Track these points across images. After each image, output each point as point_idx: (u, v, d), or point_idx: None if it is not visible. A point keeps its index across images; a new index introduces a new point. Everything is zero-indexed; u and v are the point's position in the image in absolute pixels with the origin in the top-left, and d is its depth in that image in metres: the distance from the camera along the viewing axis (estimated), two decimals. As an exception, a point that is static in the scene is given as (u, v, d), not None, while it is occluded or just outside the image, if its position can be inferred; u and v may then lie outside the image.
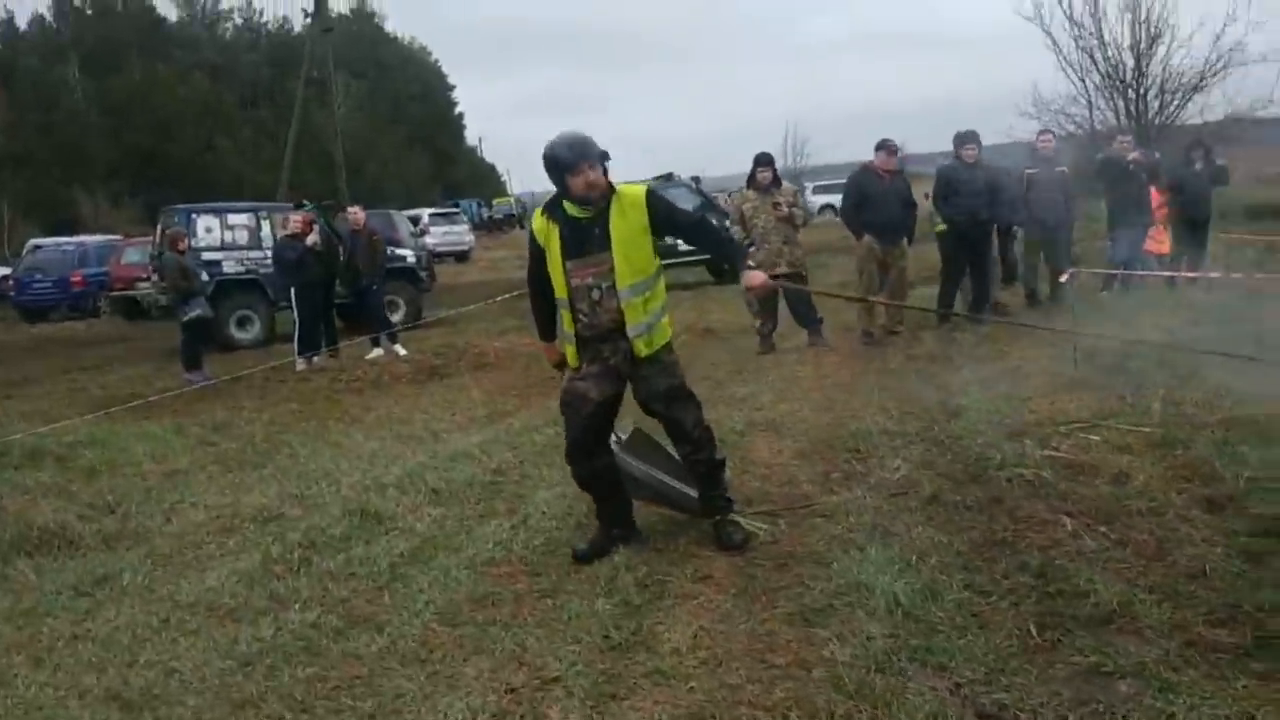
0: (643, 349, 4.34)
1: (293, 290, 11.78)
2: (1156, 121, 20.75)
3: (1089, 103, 22.19)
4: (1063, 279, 8.61)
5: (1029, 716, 2.95)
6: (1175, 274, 10.43)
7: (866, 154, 9.84)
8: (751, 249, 9.64)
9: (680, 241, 6.90)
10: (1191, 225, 11.08)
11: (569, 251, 4.29)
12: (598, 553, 4.48)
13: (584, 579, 4.27)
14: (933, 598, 3.74)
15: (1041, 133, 11.82)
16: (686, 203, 18.10)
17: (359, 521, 5.33)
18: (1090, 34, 21.67)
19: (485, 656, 3.63)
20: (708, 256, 17.33)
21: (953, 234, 9.79)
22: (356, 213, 12.39)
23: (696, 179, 20.03)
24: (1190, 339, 7.98)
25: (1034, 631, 3.44)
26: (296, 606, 4.28)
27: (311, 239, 11.78)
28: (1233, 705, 2.90)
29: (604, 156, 4.31)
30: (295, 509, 5.84)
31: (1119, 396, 6.56)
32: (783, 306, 9.79)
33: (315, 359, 11.76)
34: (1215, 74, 20.68)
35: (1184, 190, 10.92)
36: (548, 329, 4.66)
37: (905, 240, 9.59)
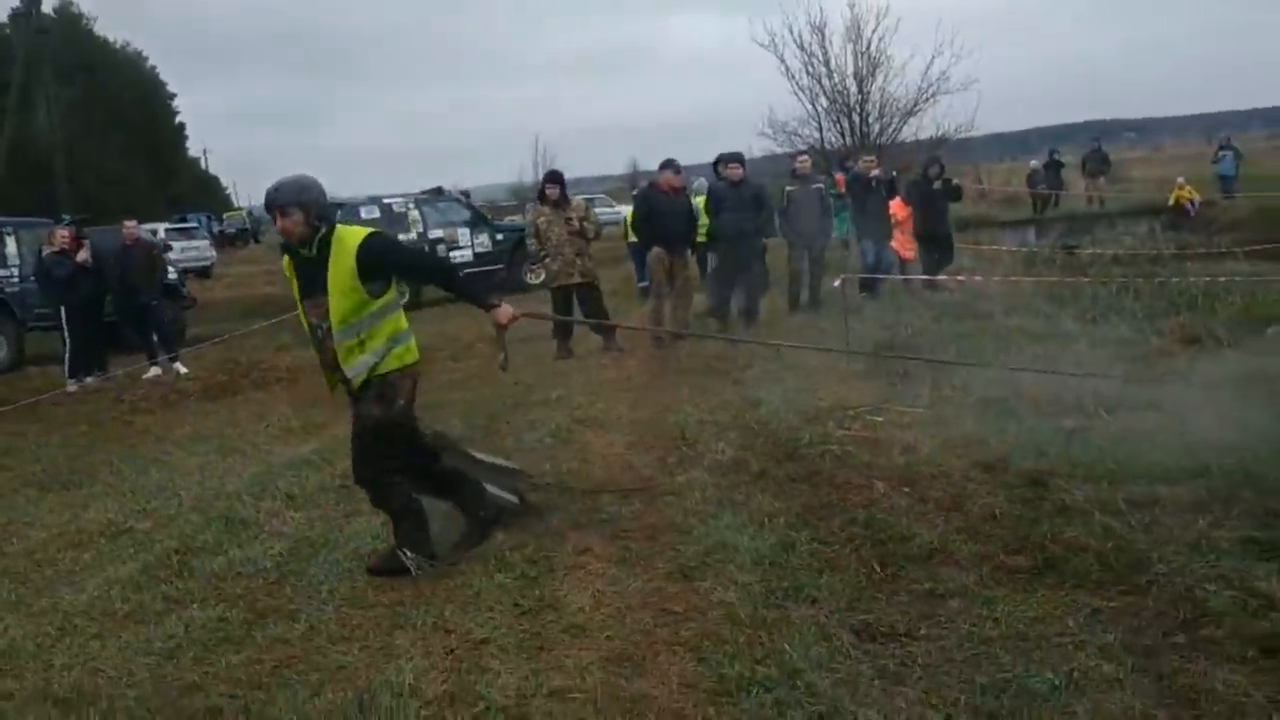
0: (360, 382, 4.45)
1: (62, 310, 11.20)
2: (878, 141, 22.99)
3: (819, 124, 24.27)
4: (835, 284, 9.72)
5: (888, 629, 3.67)
6: (932, 278, 11.88)
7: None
8: (546, 260, 10.21)
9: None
10: (934, 237, 12.60)
11: (303, 291, 4.47)
12: (391, 569, 4.56)
13: (474, 561, 4.68)
14: (787, 550, 4.44)
15: (800, 153, 13.06)
16: (458, 216, 18.44)
17: (225, 527, 5.46)
18: (819, 61, 23.72)
19: (408, 630, 3.99)
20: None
21: (721, 246, 10.73)
22: (131, 227, 11.94)
23: (466, 193, 20.35)
24: (941, 333, 9.26)
25: (877, 568, 4.20)
26: (195, 605, 4.45)
27: (83, 255, 11.26)
28: (1034, 609, 3.74)
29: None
30: (144, 522, 5.85)
31: (890, 385, 7.60)
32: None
33: (88, 380, 11.26)
34: (926, 100, 23.24)
35: (926, 205, 12.41)
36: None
37: (689, 251, 10.44)
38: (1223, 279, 13.47)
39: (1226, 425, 5.64)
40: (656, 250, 10.12)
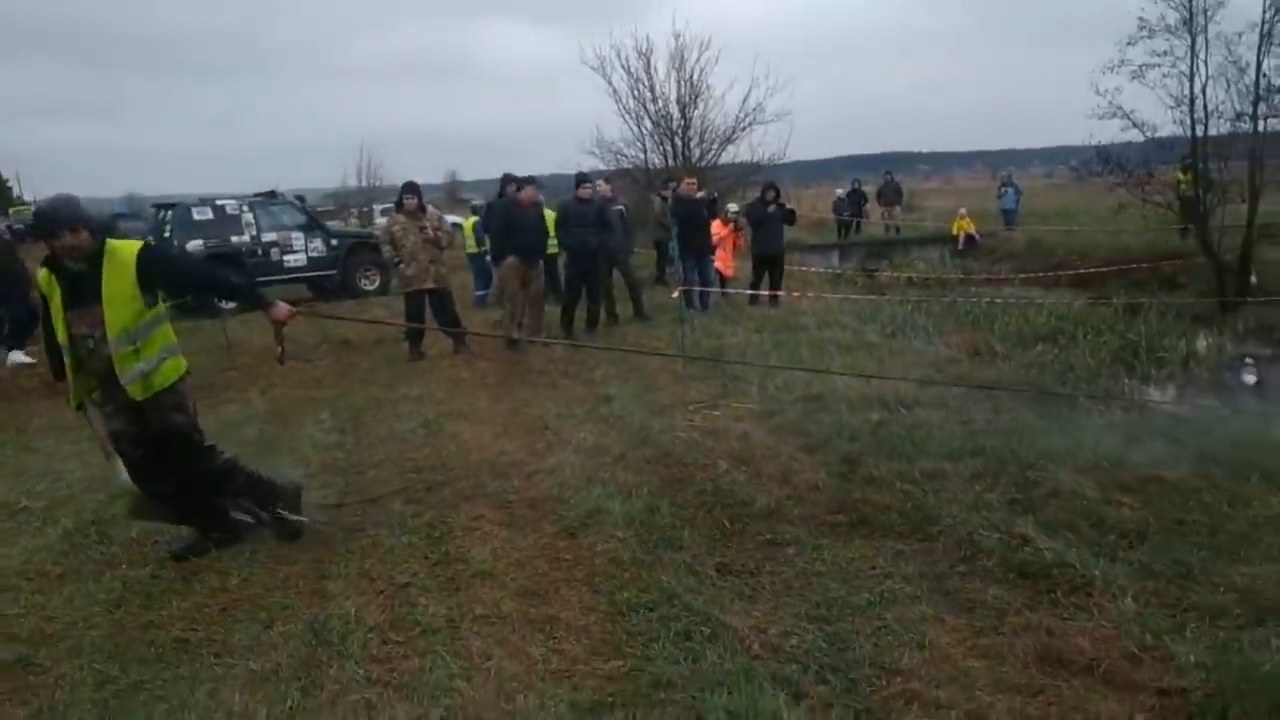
0: (138, 393, 4.62)
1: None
2: (700, 165, 24.32)
3: (644, 146, 25.43)
4: (674, 295, 10.71)
5: (741, 567, 4.59)
6: (758, 293, 13.05)
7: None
8: (400, 265, 10.76)
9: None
10: (769, 257, 13.77)
11: (69, 302, 4.57)
12: (195, 552, 4.95)
13: (380, 525, 5.33)
14: (652, 513, 5.31)
15: (602, 180, 14.00)
16: (292, 220, 18.50)
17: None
18: (644, 86, 24.89)
19: (335, 579, 4.63)
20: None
21: (570, 260, 11.59)
22: None
23: (301, 198, 20.36)
24: (763, 342, 10.39)
25: (726, 524, 5.13)
26: (125, 566, 4.93)
27: None
28: (853, 552, 4.74)
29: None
30: (38, 501, 6.16)
31: (723, 385, 8.61)
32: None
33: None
34: (743, 128, 24.76)
35: (761, 226, 13.56)
36: (60, 369, 4.81)
37: (540, 261, 11.23)
38: (999, 301, 15.40)
39: (998, 418, 6.91)
40: (511, 260, 10.85)
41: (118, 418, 4.73)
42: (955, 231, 27.23)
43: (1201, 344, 12.50)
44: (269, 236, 17.93)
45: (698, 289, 12.82)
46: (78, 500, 6.12)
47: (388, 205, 44.45)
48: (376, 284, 18.81)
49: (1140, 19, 16.06)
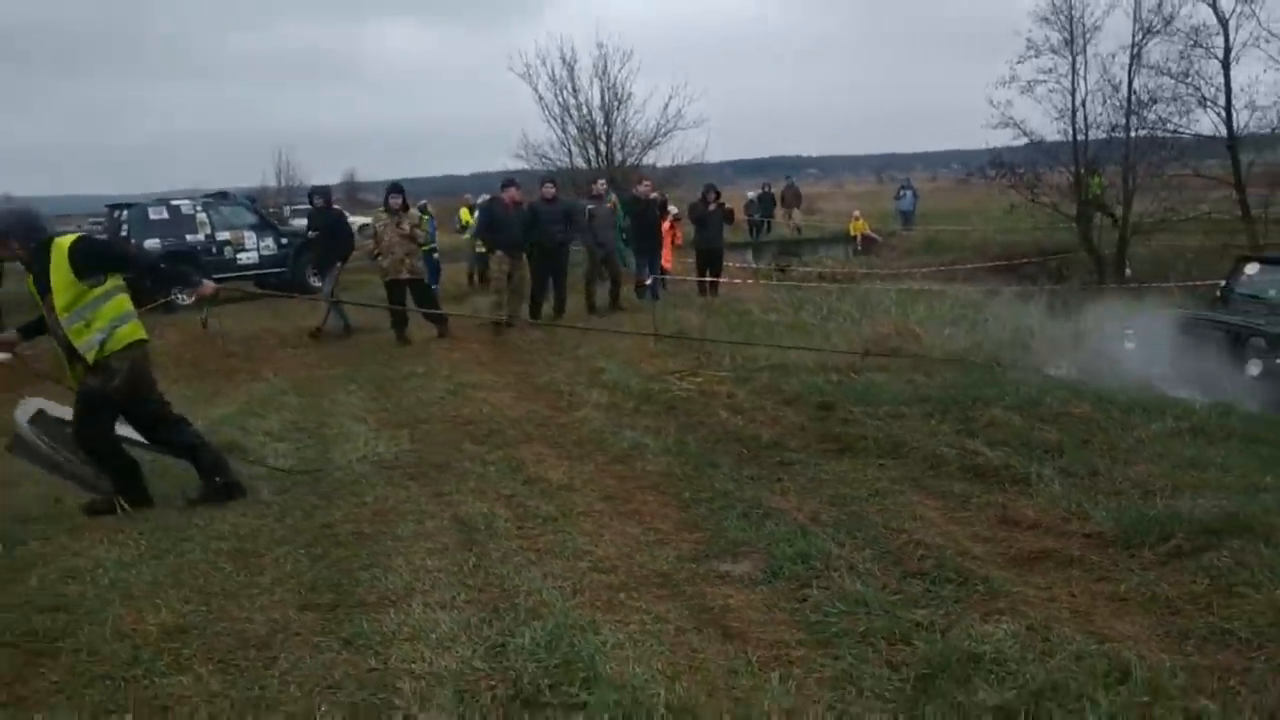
0: (93, 357, 5.43)
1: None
2: (624, 166, 25.76)
3: (569, 149, 26.76)
4: (647, 282, 12.07)
5: (767, 475, 5.97)
6: (703, 279, 14.49)
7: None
8: (379, 258, 11.86)
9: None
10: (709, 251, 15.22)
11: (40, 295, 5.46)
12: (104, 510, 5.65)
13: (463, 460, 6.56)
14: (682, 445, 6.67)
15: (596, 180, 15.31)
16: (244, 220, 19.24)
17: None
18: (569, 93, 26.23)
19: (454, 495, 5.85)
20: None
21: (538, 255, 12.84)
22: None
23: (252, 198, 21.05)
24: (718, 324, 11.82)
25: (744, 451, 6.52)
26: (265, 493, 6.06)
27: None
28: (845, 466, 6.17)
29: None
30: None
31: (695, 358, 10.00)
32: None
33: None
34: (665, 133, 26.31)
35: (703, 224, 14.99)
36: (31, 327, 5.79)
37: (524, 254, 12.46)
38: (907, 290, 17.18)
39: (933, 379, 8.46)
40: (499, 254, 12.06)
41: (87, 377, 5.53)
42: (853, 232, 29.24)
43: (1087, 323, 14.41)
44: (223, 235, 18.65)
45: (649, 280, 14.19)
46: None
47: (300, 205, 44.87)
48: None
49: (1028, 40, 18.16)
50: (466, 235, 19.28)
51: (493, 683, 3.55)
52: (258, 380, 10.14)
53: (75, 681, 3.62)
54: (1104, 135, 18.47)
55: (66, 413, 5.87)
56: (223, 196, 19.63)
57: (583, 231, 13.38)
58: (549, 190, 12.92)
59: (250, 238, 19.05)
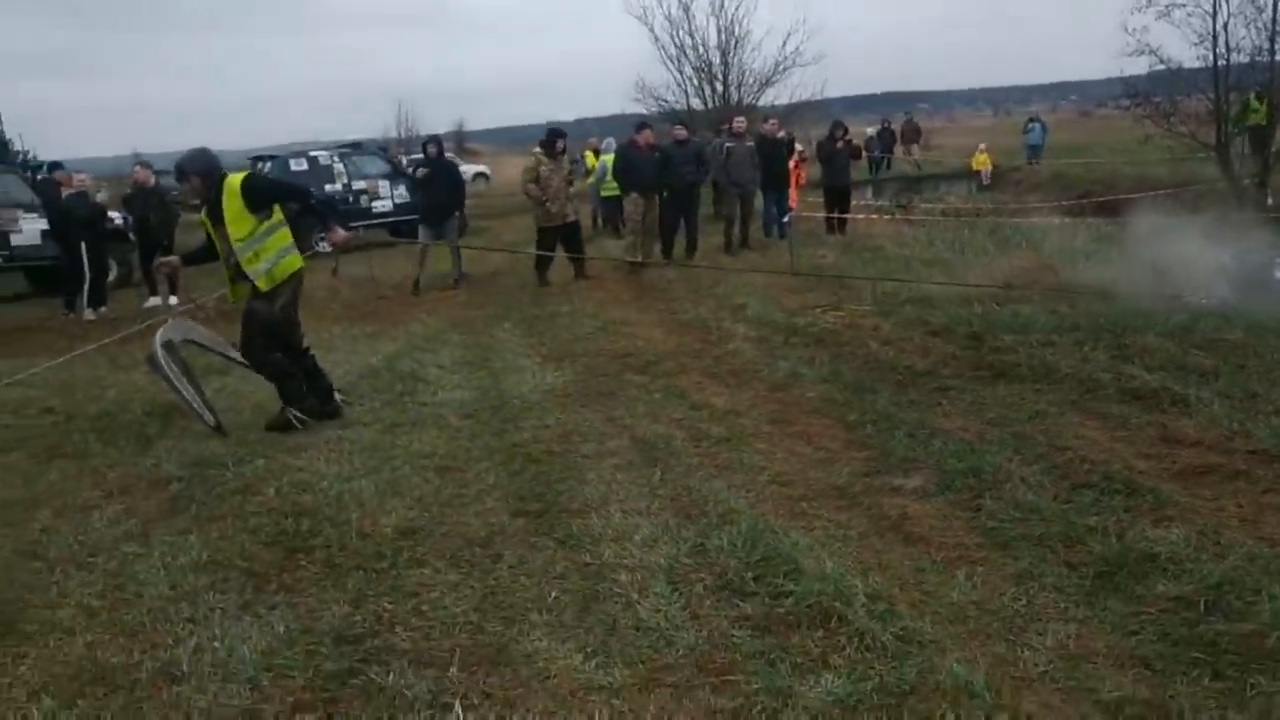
0: (264, 284, 6.14)
1: (83, 246, 12.46)
2: (741, 105, 25.73)
3: (685, 91, 26.83)
4: (785, 219, 12.29)
5: (926, 400, 6.21)
6: (833, 217, 14.64)
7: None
8: (547, 204, 12.21)
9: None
10: (837, 189, 15.33)
11: (214, 227, 6.17)
12: (281, 425, 6.34)
13: (628, 388, 6.96)
14: (837, 374, 6.94)
15: (735, 118, 15.45)
16: (377, 169, 19.97)
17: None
18: (685, 33, 26.25)
19: (626, 418, 6.25)
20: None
21: (671, 196, 13.13)
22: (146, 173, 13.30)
23: (384, 148, 21.83)
24: (852, 261, 11.97)
25: (900, 379, 6.76)
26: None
27: (101, 196, 12.59)
28: (1001, 391, 6.35)
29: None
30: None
31: (834, 294, 10.20)
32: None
33: (103, 310, 12.64)
34: (783, 70, 26.17)
35: (833, 163, 15.10)
36: (193, 256, 6.71)
37: (657, 195, 12.79)
38: (1038, 224, 16.94)
39: (1078, 310, 8.51)
40: (634, 195, 12.42)
41: (261, 301, 6.22)
42: (976, 167, 28.67)
43: (1232, 253, 14.08)
44: (359, 184, 19.45)
45: (778, 219, 14.37)
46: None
47: (415, 155, 45.96)
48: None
49: (1167, -38, 17.40)
50: (590, 180, 19.65)
51: (701, 574, 3.94)
52: (414, 321, 10.70)
53: (334, 572, 4.14)
54: (1246, 60, 17.71)
55: (206, 335, 6.98)
56: (356, 147, 20.42)
57: (719, 170, 13.59)
58: (680, 132, 13.18)
59: (384, 186, 19.79)
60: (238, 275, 6.25)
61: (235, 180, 6.13)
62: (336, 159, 19.52)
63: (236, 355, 6.86)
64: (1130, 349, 6.96)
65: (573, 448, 5.70)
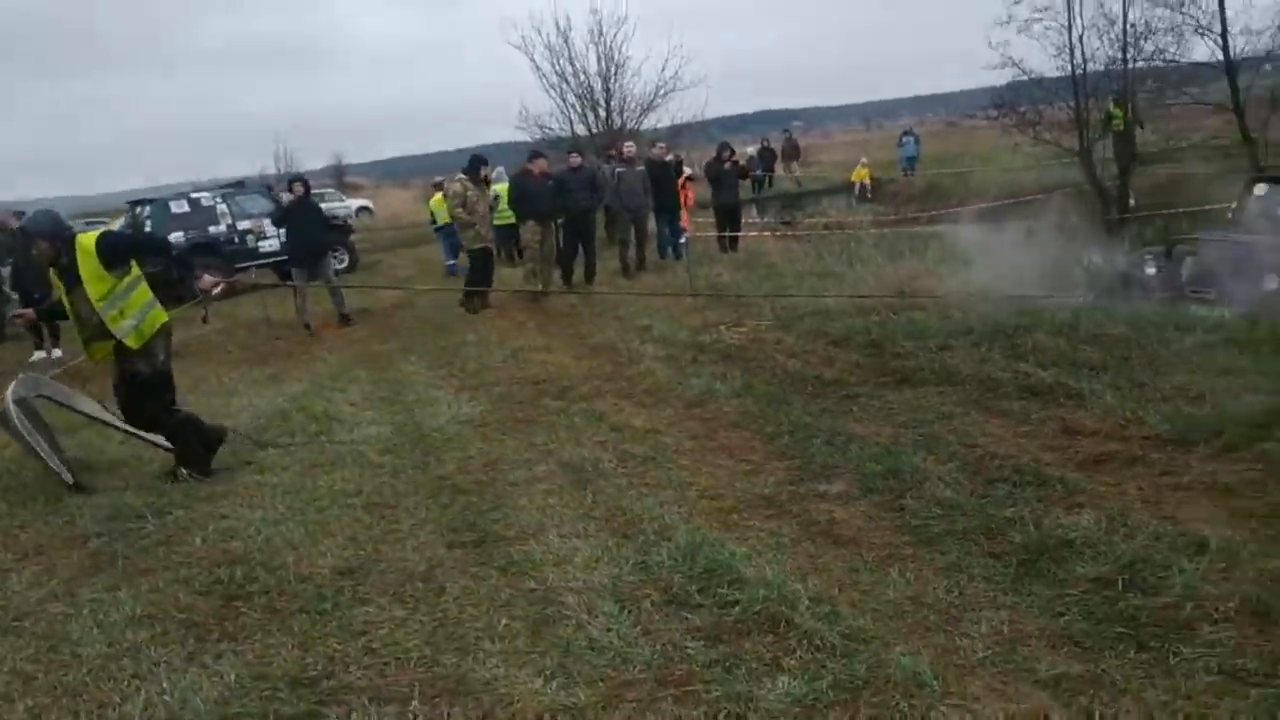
0: (134, 342, 5.99)
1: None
2: (624, 130, 26.00)
3: (569, 117, 27.01)
4: (682, 240, 12.48)
5: (836, 409, 6.43)
6: (723, 235, 14.92)
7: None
8: (476, 227, 12.23)
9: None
10: (726, 208, 15.62)
11: (67, 289, 6.00)
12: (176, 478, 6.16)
13: (548, 414, 7.02)
14: (750, 388, 7.12)
15: (625, 143, 15.62)
16: (259, 207, 19.55)
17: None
18: (565, 61, 26.45)
19: (553, 441, 6.31)
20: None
21: (567, 222, 13.24)
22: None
23: (269, 186, 21.41)
24: (748, 278, 12.25)
25: (810, 389, 6.97)
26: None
27: None
28: (907, 396, 6.62)
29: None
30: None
31: (735, 311, 10.43)
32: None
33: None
34: (664, 94, 26.54)
35: (721, 183, 15.38)
36: (54, 310, 6.46)
37: (554, 222, 12.87)
38: (918, 234, 17.59)
39: (969, 314, 8.89)
40: (530, 224, 12.48)
41: (133, 363, 6.08)
42: (855, 180, 29.56)
43: (1104, 252, 14.87)
44: (243, 224, 18.99)
45: (672, 240, 14.60)
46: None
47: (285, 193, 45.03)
48: (346, 263, 20.03)
49: (1025, -22, 18.33)
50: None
51: (647, 591, 4.02)
52: (316, 361, 10.55)
53: (276, 617, 4.09)
54: (1102, 69, 18.77)
55: (61, 390, 6.81)
56: (239, 186, 19.98)
57: (611, 195, 13.74)
58: (575, 159, 13.32)
59: (269, 226, 19.36)
60: (97, 335, 6.06)
61: (89, 239, 5.96)
62: (219, 199, 19.03)
63: (100, 413, 6.72)
64: (1023, 348, 7.32)
65: (500, 476, 5.73)
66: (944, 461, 5.22)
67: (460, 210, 12.26)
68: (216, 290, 6.57)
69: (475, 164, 12.55)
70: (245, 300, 14.55)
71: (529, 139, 26.85)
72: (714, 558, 4.17)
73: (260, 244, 19.18)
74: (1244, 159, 16.98)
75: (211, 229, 18.60)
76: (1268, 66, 18.02)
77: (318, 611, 4.10)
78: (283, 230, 19.24)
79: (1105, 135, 18.57)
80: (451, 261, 18.34)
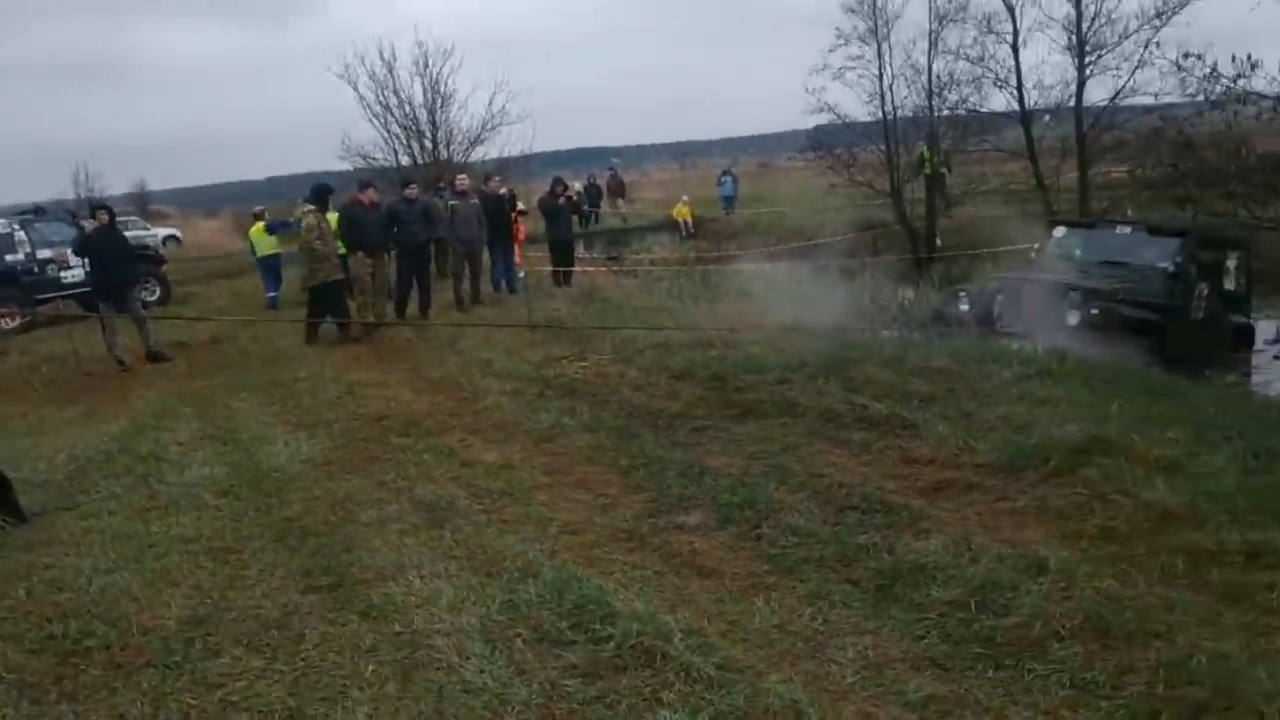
0: None
1: None
2: (453, 162, 25.76)
3: (394, 148, 26.56)
4: (522, 274, 12.41)
5: (685, 441, 6.54)
6: (558, 270, 14.94)
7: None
8: (328, 260, 11.79)
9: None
10: (561, 243, 15.63)
11: None
12: None
13: (395, 451, 6.86)
14: (600, 422, 7.16)
15: (459, 176, 15.42)
16: (61, 235, 18.33)
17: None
18: (390, 91, 26.04)
19: (405, 479, 6.16)
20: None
21: (400, 255, 13.00)
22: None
23: (73, 213, 20.10)
24: (586, 311, 12.33)
25: (658, 423, 7.06)
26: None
27: None
28: (751, 428, 6.80)
29: None
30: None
31: (575, 344, 10.47)
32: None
33: None
34: (491, 128, 26.46)
35: (556, 218, 15.38)
36: None
37: (386, 254, 12.59)
38: (742, 270, 18.17)
39: (800, 347, 9.21)
40: (360, 255, 12.18)
41: None
42: (678, 218, 30.25)
43: (911, 293, 15.73)
44: (44, 253, 17.73)
45: (507, 275, 14.54)
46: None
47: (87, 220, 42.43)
48: (157, 295, 19.01)
49: (837, 30, 19.41)
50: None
51: (517, 630, 3.99)
52: (134, 397, 9.96)
53: (120, 673, 3.84)
54: (910, 115, 20.00)
55: None
56: (39, 212, 18.69)
57: (446, 228, 13.58)
58: (411, 191, 13.10)
59: (73, 255, 18.19)
60: None
61: None
62: (16, 226, 17.73)
63: None
64: (856, 380, 7.64)
65: (351, 516, 5.56)
66: (795, 491, 5.39)
67: (319, 243, 11.73)
68: (13, 324, 5.97)
69: (321, 193, 12.14)
70: (51, 333, 13.59)
71: (350, 168, 26.33)
72: (582, 593, 4.17)
73: (63, 274, 17.95)
74: (1039, 203, 18.38)
75: (9, 258, 17.31)
76: (1047, 118, 19.59)
77: (167, 665, 3.88)
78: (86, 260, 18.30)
79: (917, 178, 19.71)
80: (273, 294, 17.70)
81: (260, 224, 18.17)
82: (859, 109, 20.60)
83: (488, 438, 7.11)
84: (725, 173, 32.91)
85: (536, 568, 4.54)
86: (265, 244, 17.78)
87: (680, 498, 5.49)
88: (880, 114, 19.84)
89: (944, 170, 20.06)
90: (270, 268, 17.77)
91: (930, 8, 19.48)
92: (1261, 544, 4.27)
